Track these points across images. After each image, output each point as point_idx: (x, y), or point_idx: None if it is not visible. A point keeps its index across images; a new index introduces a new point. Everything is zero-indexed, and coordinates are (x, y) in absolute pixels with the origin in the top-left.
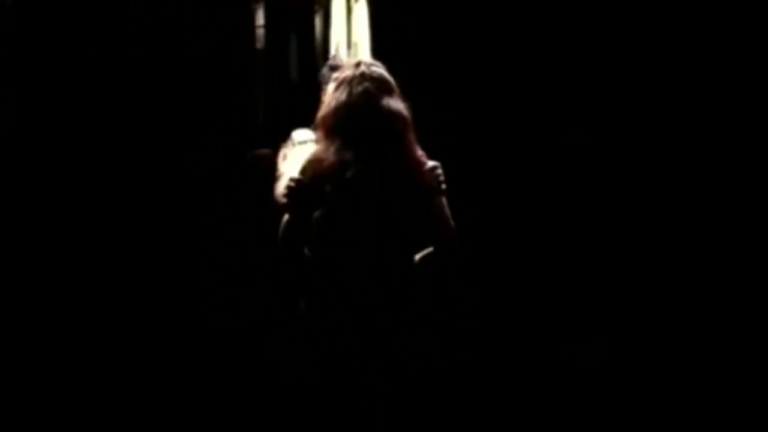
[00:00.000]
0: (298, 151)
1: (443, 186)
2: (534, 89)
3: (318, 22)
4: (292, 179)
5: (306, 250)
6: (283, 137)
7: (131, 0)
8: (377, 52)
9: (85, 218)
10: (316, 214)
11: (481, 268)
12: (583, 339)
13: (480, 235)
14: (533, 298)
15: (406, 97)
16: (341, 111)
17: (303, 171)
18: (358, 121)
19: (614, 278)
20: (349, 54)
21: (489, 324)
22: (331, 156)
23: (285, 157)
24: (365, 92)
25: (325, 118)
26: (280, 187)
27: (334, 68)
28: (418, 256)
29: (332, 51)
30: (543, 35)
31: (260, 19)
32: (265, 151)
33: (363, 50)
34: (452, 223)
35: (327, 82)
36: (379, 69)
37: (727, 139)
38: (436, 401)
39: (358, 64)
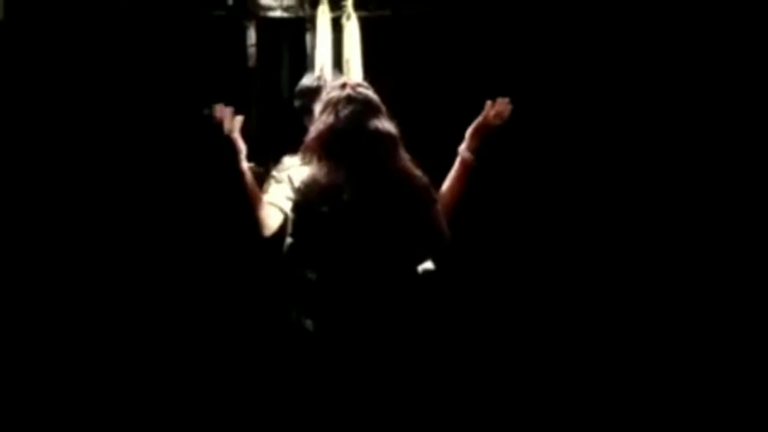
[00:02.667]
0: (285, 176)
1: (435, 197)
2: (522, 104)
3: (309, 40)
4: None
5: (309, 273)
6: (275, 154)
7: (125, 19)
8: (368, 68)
9: (81, 226)
10: (314, 236)
11: (481, 274)
12: (583, 342)
13: (476, 243)
14: (534, 304)
15: (393, 114)
16: (329, 134)
17: (297, 195)
18: (346, 143)
19: (611, 281)
20: (341, 71)
21: (492, 331)
22: (323, 179)
23: (270, 181)
24: (352, 114)
25: (314, 141)
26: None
27: (305, 93)
28: (420, 269)
29: (317, 71)
30: (530, 53)
31: (252, 38)
32: (259, 168)
33: (355, 67)
34: (447, 231)
35: (306, 104)
36: (365, 90)
37: (727, 140)
38: (444, 414)
39: (343, 86)
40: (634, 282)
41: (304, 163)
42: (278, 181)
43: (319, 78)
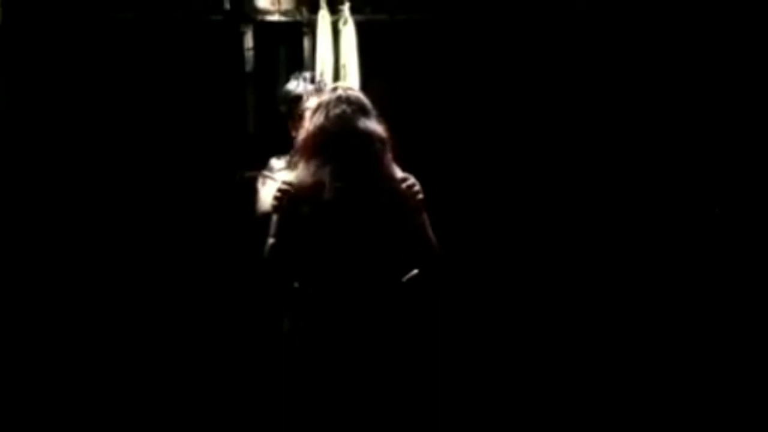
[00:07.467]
0: (276, 176)
1: (422, 202)
2: (516, 111)
3: (306, 44)
4: (281, 187)
5: (290, 275)
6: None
7: (123, 23)
8: (364, 72)
9: (77, 227)
10: (295, 236)
11: (468, 280)
12: (580, 345)
13: (463, 249)
14: (523, 309)
15: (388, 118)
16: (319, 134)
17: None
18: (335, 143)
19: (607, 287)
20: (337, 75)
21: (480, 336)
22: (308, 178)
23: (264, 183)
24: (342, 114)
25: (304, 141)
26: (262, 206)
27: (290, 98)
28: (405, 277)
29: (317, 75)
30: (525, 57)
31: (249, 42)
32: (254, 173)
33: (351, 72)
34: (434, 238)
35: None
36: (356, 92)
37: (726, 140)
38: (427, 416)
39: (335, 89)
40: (629, 293)
41: (292, 166)
42: (272, 180)
43: (319, 82)
